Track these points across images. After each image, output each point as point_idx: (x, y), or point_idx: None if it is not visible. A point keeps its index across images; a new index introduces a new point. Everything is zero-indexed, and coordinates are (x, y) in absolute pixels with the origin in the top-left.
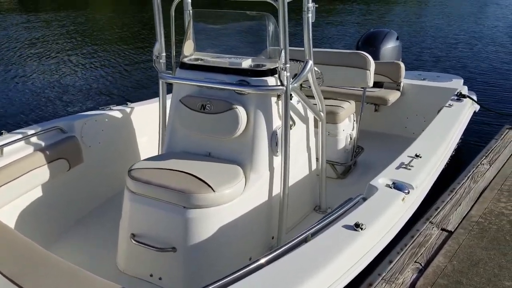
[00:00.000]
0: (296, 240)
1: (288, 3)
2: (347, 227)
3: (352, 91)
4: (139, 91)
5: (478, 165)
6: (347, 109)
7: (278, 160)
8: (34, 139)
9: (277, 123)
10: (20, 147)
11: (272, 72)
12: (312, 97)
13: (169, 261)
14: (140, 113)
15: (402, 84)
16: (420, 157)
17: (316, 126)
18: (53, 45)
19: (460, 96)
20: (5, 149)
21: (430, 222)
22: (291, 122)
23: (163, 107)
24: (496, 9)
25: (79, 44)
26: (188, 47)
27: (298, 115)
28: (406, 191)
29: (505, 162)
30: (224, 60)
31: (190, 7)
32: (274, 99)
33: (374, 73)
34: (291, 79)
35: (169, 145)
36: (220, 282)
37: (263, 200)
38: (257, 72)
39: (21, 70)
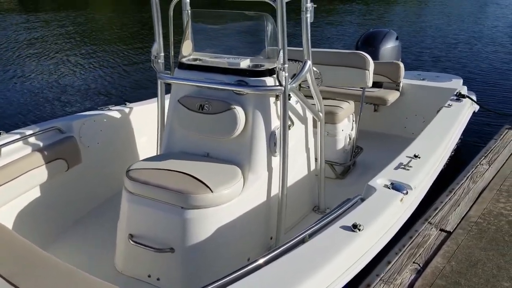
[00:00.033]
0: (294, 241)
1: (286, 3)
2: (345, 228)
3: (351, 91)
4: (138, 91)
5: (477, 165)
6: (346, 109)
7: (276, 161)
8: (32, 139)
9: (276, 123)
10: (18, 147)
11: (270, 72)
12: (311, 97)
13: (167, 261)
14: (138, 113)
15: (401, 84)
16: (419, 157)
17: (315, 126)
18: (52, 45)
19: (460, 96)
20: (3, 149)
21: (428, 222)
22: (289, 123)
23: (162, 107)
24: (496, 9)
25: (78, 44)
26: (187, 47)
27: (297, 115)
28: (405, 192)
29: (504, 163)
30: (222, 60)
31: (188, 7)
32: (272, 99)
33: (374, 73)
34: (290, 79)
35: (167, 145)
36: (218, 283)
37: (261, 201)
38: (256, 72)
39: (19, 70)
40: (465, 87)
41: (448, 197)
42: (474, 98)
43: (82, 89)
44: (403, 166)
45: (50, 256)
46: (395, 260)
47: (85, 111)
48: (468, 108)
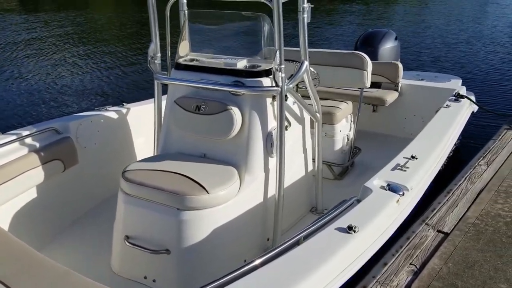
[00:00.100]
0: (289, 243)
1: (283, 3)
2: (340, 229)
3: (349, 91)
4: (137, 91)
5: (476, 166)
6: (344, 109)
7: (273, 161)
8: (29, 140)
9: (272, 124)
10: (15, 148)
11: (267, 73)
12: (309, 97)
13: (163, 263)
14: (136, 114)
15: (400, 85)
16: (416, 158)
17: (312, 127)
18: (50, 45)
19: (458, 97)
20: (0, 150)
21: (426, 223)
22: (286, 123)
23: (159, 108)
24: (496, 9)
25: (76, 45)
26: (184, 48)
27: (294, 116)
28: (401, 193)
29: (503, 163)
30: (219, 61)
31: (185, 8)
32: (269, 100)
33: (372, 74)
34: (287, 80)
35: (164, 146)
36: (214, 284)
37: (258, 202)
38: (252, 73)
39: (17, 70)
40: (464, 88)
41: (445, 198)
42: (473, 98)
43: (79, 90)
44: (400, 167)
45: (45, 258)
46: (391, 262)
47: (82, 112)
48: (466, 109)
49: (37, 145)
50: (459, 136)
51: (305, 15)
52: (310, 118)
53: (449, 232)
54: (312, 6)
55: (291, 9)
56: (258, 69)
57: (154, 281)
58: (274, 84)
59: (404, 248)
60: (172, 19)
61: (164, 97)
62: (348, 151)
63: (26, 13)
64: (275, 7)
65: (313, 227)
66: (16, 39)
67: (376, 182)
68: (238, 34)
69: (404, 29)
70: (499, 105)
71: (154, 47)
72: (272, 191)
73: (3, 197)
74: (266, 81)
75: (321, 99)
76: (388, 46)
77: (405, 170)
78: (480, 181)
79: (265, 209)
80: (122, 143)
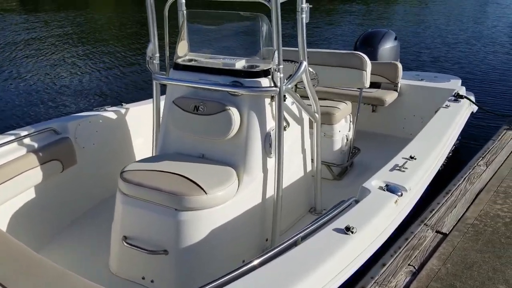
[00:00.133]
0: (286, 243)
1: (281, 3)
2: (338, 230)
3: (348, 91)
4: (136, 92)
5: (475, 166)
6: (343, 110)
7: (272, 162)
8: (27, 141)
9: (271, 124)
10: (13, 149)
11: (265, 73)
12: (308, 98)
13: (161, 263)
14: (134, 114)
15: (399, 85)
16: (415, 158)
17: (311, 127)
18: (50, 45)
19: (458, 97)
20: None
21: (425, 224)
22: (285, 124)
23: (157, 108)
24: (496, 9)
25: (76, 45)
26: (182, 48)
27: (293, 116)
28: (399, 194)
29: (502, 164)
30: (217, 61)
31: (184, 8)
32: (268, 100)
33: (371, 74)
34: (285, 80)
35: (162, 146)
36: (213, 284)
37: (256, 202)
38: (251, 73)
39: (15, 70)
40: (464, 88)
41: (444, 199)
42: (473, 98)
43: (78, 90)
44: (398, 168)
45: (43, 258)
46: (390, 263)
47: (80, 112)
48: (466, 109)
49: (36, 145)
50: (458, 137)
51: (304, 15)
52: (309, 118)
53: (447, 232)
54: (311, 6)
55: (291, 9)
56: (257, 69)
57: (152, 281)
58: (272, 85)
59: (403, 249)
60: (170, 19)
61: (163, 97)
62: (347, 151)
63: (26, 13)
64: (274, 7)
65: (310, 228)
66: (15, 39)
67: (374, 182)
68: (236, 34)
69: (404, 29)
70: (499, 105)
71: (153, 47)
72: (270, 191)
73: (1, 197)
74: (265, 81)
75: (320, 99)
76: (387, 46)
77: (403, 171)
78: (479, 182)
79: (263, 210)
80: (120, 144)
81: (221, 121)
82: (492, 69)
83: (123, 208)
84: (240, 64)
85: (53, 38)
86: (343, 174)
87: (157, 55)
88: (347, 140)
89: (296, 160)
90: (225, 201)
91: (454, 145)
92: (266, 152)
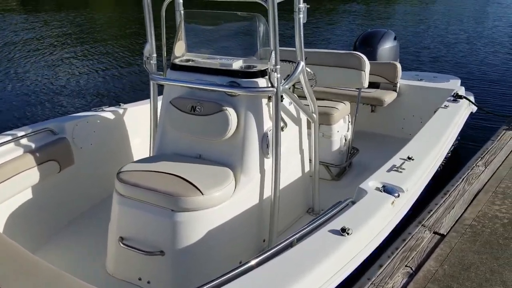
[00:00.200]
0: (281, 245)
1: (278, 3)
2: (334, 231)
3: (347, 91)
4: (133, 92)
5: (473, 167)
6: (342, 110)
7: (269, 162)
8: (24, 141)
9: (268, 124)
10: (10, 149)
11: (262, 73)
12: (306, 98)
13: (157, 264)
14: (132, 115)
15: (398, 85)
16: (413, 159)
17: (309, 127)
18: (48, 46)
19: (457, 97)
20: None
21: (422, 225)
22: (282, 124)
23: (154, 108)
24: (497, 9)
25: (74, 45)
26: (179, 48)
27: (290, 116)
28: (396, 195)
29: (501, 164)
30: (215, 61)
31: (181, 8)
32: (265, 101)
33: (370, 74)
34: (283, 80)
35: (159, 147)
36: (209, 285)
37: (253, 203)
38: (248, 74)
39: (13, 71)
40: (463, 88)
41: (442, 199)
42: (472, 99)
43: (76, 90)
44: (396, 168)
45: (39, 260)
46: (387, 264)
47: (78, 112)
48: (465, 109)
49: (33, 145)
50: (457, 137)
51: (301, 16)
52: (307, 118)
53: (445, 233)
54: (308, 6)
55: (289, 9)
56: (254, 69)
57: (148, 282)
58: (269, 85)
59: (400, 250)
60: (168, 20)
61: (160, 98)
62: (346, 151)
63: (26, 13)
64: (270, 7)
65: (306, 229)
66: (14, 39)
67: (371, 183)
68: (234, 34)
69: (404, 29)
70: (498, 105)
71: (150, 48)
72: (268, 192)
73: None
74: (262, 82)
75: (318, 99)
76: (387, 46)
77: (401, 172)
78: (478, 182)
79: (260, 210)
80: (118, 144)
81: (218, 122)
82: (491, 69)
83: (120, 208)
84: (237, 64)
85: (52, 38)
86: (342, 175)
87: (154, 55)
88: (345, 140)
89: (294, 160)
90: (222, 202)
91: (453, 145)
92: (263, 152)
